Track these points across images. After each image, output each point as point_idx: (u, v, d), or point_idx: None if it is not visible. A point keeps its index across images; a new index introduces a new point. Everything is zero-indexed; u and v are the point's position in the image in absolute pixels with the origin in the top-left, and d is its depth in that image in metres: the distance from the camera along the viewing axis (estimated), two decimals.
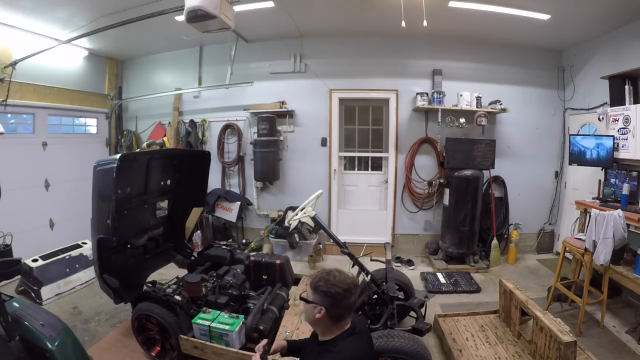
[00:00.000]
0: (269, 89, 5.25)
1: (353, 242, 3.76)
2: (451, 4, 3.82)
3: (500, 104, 4.83)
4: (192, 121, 5.54)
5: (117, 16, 3.76)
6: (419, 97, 4.85)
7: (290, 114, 5.24)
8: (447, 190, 4.78)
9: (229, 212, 5.36)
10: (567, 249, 3.41)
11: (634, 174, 3.58)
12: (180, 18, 3.18)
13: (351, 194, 5.48)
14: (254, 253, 3.89)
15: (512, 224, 5.11)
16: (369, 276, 2.82)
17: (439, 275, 4.36)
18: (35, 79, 4.59)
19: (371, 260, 3.18)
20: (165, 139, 5.37)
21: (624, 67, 3.79)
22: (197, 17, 2.75)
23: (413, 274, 4.41)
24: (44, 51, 4.24)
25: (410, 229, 5.30)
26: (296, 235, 4.83)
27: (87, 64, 5.45)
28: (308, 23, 4.67)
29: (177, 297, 2.71)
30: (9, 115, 4.43)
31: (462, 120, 4.77)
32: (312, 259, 4.79)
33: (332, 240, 3.18)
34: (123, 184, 2.70)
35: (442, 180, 5.03)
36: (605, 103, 4.16)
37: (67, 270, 3.96)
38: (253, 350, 2.29)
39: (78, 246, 4.19)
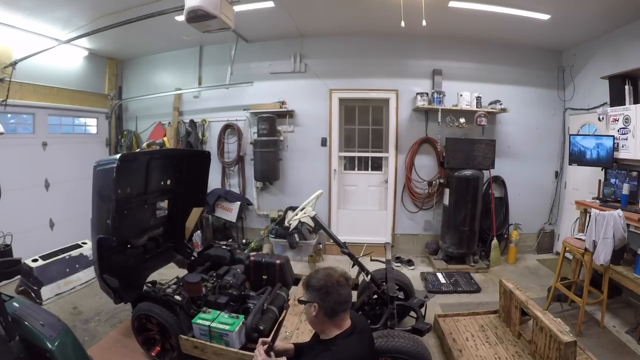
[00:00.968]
0: (269, 89, 5.25)
1: (353, 242, 3.76)
2: (451, 4, 3.82)
3: (500, 104, 4.83)
4: (192, 121, 5.54)
5: (117, 16, 3.76)
6: (419, 97, 4.85)
7: (290, 114, 5.24)
8: (447, 190, 4.78)
9: (229, 212, 5.36)
10: (567, 249, 3.41)
11: (634, 174, 3.58)
12: (180, 18, 3.18)
13: (351, 194, 5.48)
14: (254, 253, 3.89)
15: (512, 224, 5.11)
16: (369, 276, 2.82)
17: (439, 275, 4.36)
18: (35, 79, 4.59)
19: (371, 260, 3.18)
20: (165, 139, 5.37)
21: (624, 67, 3.79)
22: (197, 17, 2.75)
23: (413, 274, 4.41)
24: (44, 51, 4.24)
25: (410, 229, 5.30)
26: (296, 235, 4.83)
27: (87, 64, 5.45)
28: (308, 23, 4.67)
29: (177, 297, 2.71)
30: (9, 115, 4.42)
31: (462, 120, 4.77)
32: (312, 259, 4.79)
33: (332, 240, 3.18)
34: (123, 184, 2.70)
35: (442, 180, 5.03)
36: (605, 103, 4.16)
37: (67, 270, 3.96)
38: (253, 350, 2.29)
39: (78, 246, 4.19)
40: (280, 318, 2.67)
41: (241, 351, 2.39)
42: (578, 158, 4.22)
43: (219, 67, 5.30)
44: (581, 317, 3.08)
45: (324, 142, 5.26)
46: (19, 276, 3.46)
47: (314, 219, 3.00)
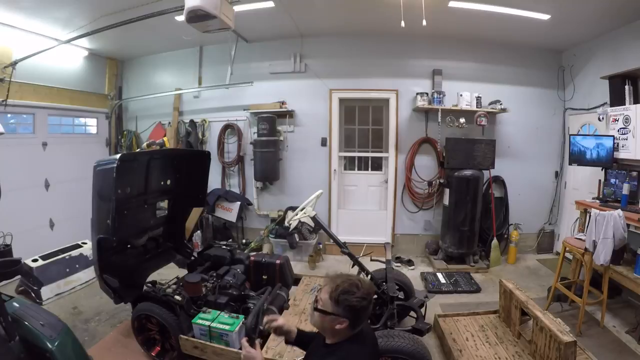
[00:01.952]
0: (269, 89, 5.25)
1: (353, 242, 3.76)
2: (451, 4, 3.82)
3: (500, 104, 4.83)
4: (192, 121, 5.54)
5: (117, 16, 3.75)
6: (419, 97, 4.85)
7: (290, 114, 5.24)
8: (447, 190, 4.78)
9: (229, 212, 5.36)
10: (567, 249, 3.41)
11: (634, 174, 3.58)
12: (180, 18, 3.17)
13: (351, 194, 5.48)
14: (254, 253, 3.89)
15: (512, 224, 5.10)
16: (369, 276, 2.83)
17: (439, 275, 4.36)
18: (35, 79, 4.59)
19: (371, 260, 3.17)
20: (165, 139, 5.37)
21: (624, 67, 3.79)
22: (197, 17, 2.75)
23: (413, 274, 4.41)
24: (44, 51, 4.24)
25: (410, 229, 5.30)
26: (296, 235, 4.83)
27: (87, 64, 5.45)
28: (308, 23, 4.67)
29: (177, 297, 2.71)
30: (9, 115, 4.43)
31: (462, 120, 4.77)
32: (312, 259, 4.79)
33: (332, 240, 3.18)
34: (123, 184, 2.70)
35: (442, 180, 5.03)
36: (605, 103, 4.16)
37: (67, 270, 3.96)
38: None
39: (78, 246, 4.19)
40: (258, 307, 2.66)
41: (241, 351, 2.39)
42: (578, 158, 4.22)
43: (219, 67, 5.30)
44: (581, 317, 3.08)
45: (324, 142, 5.26)
46: (19, 276, 3.46)
47: (314, 219, 3.00)
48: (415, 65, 5.07)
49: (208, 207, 5.27)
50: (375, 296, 2.87)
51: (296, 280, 3.49)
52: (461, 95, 4.83)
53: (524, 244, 5.18)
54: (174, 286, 2.98)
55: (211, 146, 5.50)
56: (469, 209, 4.59)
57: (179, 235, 3.65)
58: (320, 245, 5.18)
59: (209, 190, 4.99)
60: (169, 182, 3.34)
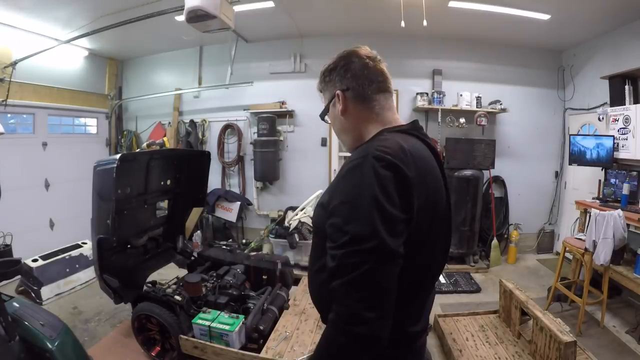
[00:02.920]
0: (269, 89, 5.25)
1: None
2: (451, 4, 3.82)
3: (500, 104, 4.83)
4: (192, 121, 5.54)
5: (117, 16, 3.75)
6: (419, 97, 4.85)
7: (290, 114, 5.24)
8: None
9: (229, 212, 5.36)
10: (567, 249, 3.41)
11: (634, 174, 3.58)
12: (180, 18, 3.17)
13: None
14: (254, 253, 3.89)
15: (512, 224, 5.10)
16: None
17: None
18: (35, 79, 4.59)
19: None
20: (165, 139, 5.37)
21: (624, 67, 3.79)
22: (197, 17, 2.75)
23: None
24: (44, 51, 4.24)
25: None
26: (296, 235, 4.82)
27: (87, 64, 5.45)
28: (308, 23, 4.66)
29: (177, 297, 2.71)
30: (9, 115, 4.42)
31: (462, 120, 4.77)
32: None
33: None
34: (123, 184, 2.70)
35: None
36: (605, 103, 4.16)
37: (67, 270, 3.95)
38: (253, 350, 2.29)
39: (78, 246, 4.19)
40: (258, 306, 2.57)
41: (241, 351, 2.39)
42: (578, 158, 4.22)
43: (219, 67, 5.30)
44: (581, 317, 3.08)
45: (324, 142, 5.25)
46: (19, 276, 3.45)
47: None
48: (415, 65, 5.07)
49: (208, 207, 5.27)
50: None
51: (296, 280, 3.49)
52: (461, 95, 4.83)
53: (524, 244, 5.18)
54: (174, 286, 2.98)
55: (211, 146, 5.49)
56: (469, 209, 4.59)
57: (179, 236, 3.65)
58: None
59: (209, 190, 4.98)
60: (169, 182, 3.34)
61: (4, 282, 3.22)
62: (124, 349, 2.87)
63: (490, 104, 4.88)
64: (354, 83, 1.03)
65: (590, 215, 3.20)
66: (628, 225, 3.06)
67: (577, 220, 4.07)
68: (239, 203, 5.36)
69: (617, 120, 3.79)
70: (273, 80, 5.27)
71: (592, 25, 4.17)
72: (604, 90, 4.10)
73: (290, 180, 5.39)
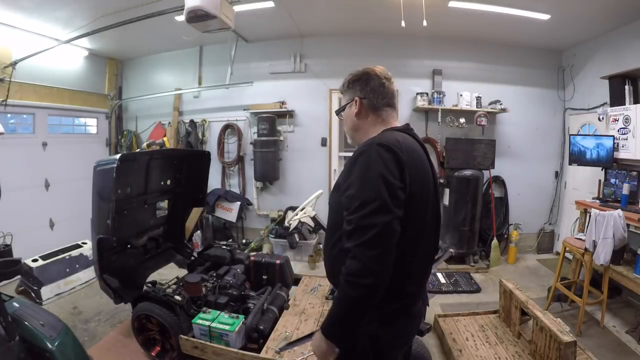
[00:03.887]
0: (269, 89, 5.25)
1: None
2: (451, 4, 3.82)
3: (500, 104, 4.83)
4: (192, 121, 5.54)
5: (117, 16, 3.76)
6: (419, 97, 4.85)
7: (290, 114, 5.24)
8: (447, 190, 4.78)
9: (229, 212, 5.36)
10: (567, 249, 3.41)
11: (634, 174, 3.58)
12: (180, 18, 3.18)
13: None
14: (254, 253, 3.89)
15: (512, 224, 5.11)
16: None
17: (439, 275, 4.36)
18: (35, 79, 4.59)
19: None
20: (165, 139, 5.37)
21: (624, 67, 3.79)
22: (197, 17, 2.75)
23: None
24: (44, 51, 4.24)
25: None
26: (296, 235, 4.82)
27: (87, 64, 5.45)
28: (308, 23, 4.66)
29: (177, 297, 2.71)
30: (9, 115, 4.42)
31: (462, 120, 4.77)
32: (312, 259, 4.78)
33: None
34: (123, 184, 2.70)
35: (442, 180, 5.03)
36: (605, 103, 4.16)
37: (67, 270, 3.95)
38: (253, 350, 2.30)
39: (78, 246, 4.19)
40: (258, 306, 2.57)
41: (241, 351, 2.39)
42: (578, 158, 4.22)
43: (219, 67, 5.30)
44: (581, 317, 3.08)
45: (324, 142, 5.25)
46: (19, 276, 3.45)
47: (314, 219, 3.01)
48: (415, 65, 5.07)
49: (208, 207, 5.27)
50: None
51: (296, 280, 3.49)
52: (461, 95, 4.83)
53: (524, 244, 5.18)
54: (174, 286, 2.98)
55: (211, 146, 5.49)
56: (469, 209, 4.59)
57: (179, 235, 3.65)
58: (320, 245, 5.18)
59: (209, 190, 4.99)
60: (169, 182, 3.33)
61: (4, 282, 3.23)
62: (124, 349, 2.87)
63: (490, 104, 4.88)
64: (371, 95, 1.28)
65: (590, 215, 3.20)
66: (628, 225, 3.06)
67: (577, 220, 4.07)
68: (239, 203, 5.36)
69: (617, 120, 3.79)
70: (273, 80, 5.27)
71: (592, 25, 4.17)
72: (604, 90, 4.09)
73: (290, 180, 5.39)
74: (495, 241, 4.79)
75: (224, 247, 3.67)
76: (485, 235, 4.93)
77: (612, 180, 3.80)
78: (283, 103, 5.14)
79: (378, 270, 1.00)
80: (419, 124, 5.13)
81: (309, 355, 2.33)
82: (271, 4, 3.91)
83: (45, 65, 4.66)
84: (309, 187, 4.85)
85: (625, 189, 3.53)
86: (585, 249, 3.08)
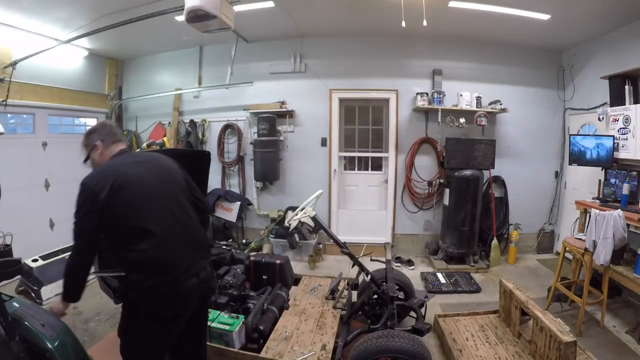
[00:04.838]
0: (269, 89, 5.25)
1: (353, 242, 3.76)
2: (451, 4, 3.82)
3: (500, 104, 4.83)
4: (192, 121, 5.54)
5: (117, 16, 3.76)
6: (419, 97, 4.85)
7: (290, 114, 5.24)
8: (447, 190, 4.78)
9: (229, 212, 5.36)
10: (567, 249, 3.41)
11: (634, 174, 3.58)
12: (180, 18, 3.18)
13: (351, 194, 5.48)
14: (254, 253, 3.89)
15: (512, 224, 5.11)
16: (369, 276, 2.83)
17: (439, 275, 4.36)
18: (35, 79, 4.59)
19: (371, 260, 3.17)
20: (165, 139, 5.37)
21: (624, 67, 3.79)
22: (197, 17, 2.75)
23: (413, 274, 4.41)
24: (44, 51, 4.24)
25: (410, 229, 5.30)
26: (296, 235, 4.83)
27: (87, 64, 5.45)
28: (308, 23, 4.67)
29: None
30: (9, 115, 4.43)
31: (462, 120, 4.77)
32: (312, 259, 4.79)
33: (332, 240, 3.18)
34: None
35: (442, 180, 5.04)
36: (605, 103, 4.16)
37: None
38: (253, 350, 2.30)
39: None
40: (258, 306, 2.60)
41: (241, 351, 2.39)
42: (578, 158, 4.22)
43: (219, 67, 5.30)
44: (581, 317, 3.08)
45: (324, 142, 5.26)
46: (19, 276, 3.45)
47: (314, 219, 3.00)
48: (415, 65, 5.07)
49: (208, 207, 5.26)
50: (375, 296, 2.87)
51: (296, 280, 3.49)
52: (461, 95, 4.83)
53: (524, 244, 5.18)
54: None
55: (211, 146, 5.49)
56: (469, 209, 4.59)
57: None
58: (320, 245, 5.18)
59: (209, 190, 4.99)
60: None
61: (4, 282, 3.23)
62: None
63: (490, 104, 4.89)
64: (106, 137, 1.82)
65: (590, 215, 3.20)
66: (628, 225, 3.06)
67: (577, 220, 4.07)
68: (239, 203, 5.36)
69: (617, 120, 3.79)
70: (273, 80, 5.27)
71: (592, 26, 4.17)
72: (604, 90, 4.09)
73: (290, 180, 5.39)
74: (495, 241, 4.79)
75: (224, 247, 3.67)
76: (485, 235, 4.93)
77: (612, 180, 3.80)
78: (283, 103, 5.14)
79: (76, 258, 1.63)
80: (419, 124, 5.14)
81: (309, 355, 2.33)
82: (271, 4, 3.91)
83: (45, 65, 4.66)
84: (309, 187, 4.84)
85: (625, 189, 3.53)
86: (585, 249, 3.08)
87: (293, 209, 5.06)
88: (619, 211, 2.96)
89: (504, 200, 5.15)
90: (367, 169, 5.46)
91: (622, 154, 3.76)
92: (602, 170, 3.97)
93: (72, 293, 1.70)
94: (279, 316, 2.83)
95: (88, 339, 3.01)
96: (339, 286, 3.20)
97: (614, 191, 3.74)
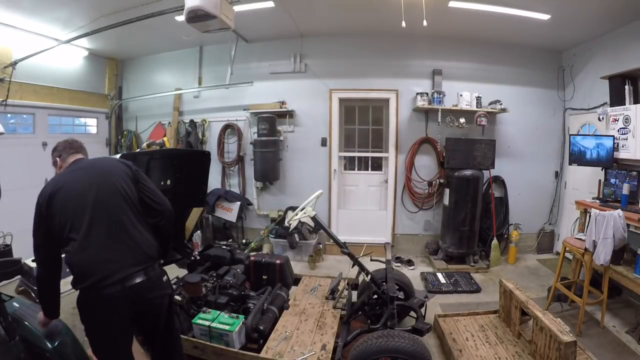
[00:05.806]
0: (269, 89, 5.25)
1: (353, 242, 3.76)
2: (451, 4, 3.82)
3: (500, 104, 4.83)
4: (192, 121, 5.54)
5: (117, 16, 3.76)
6: (419, 97, 4.85)
7: (290, 114, 5.24)
8: (447, 190, 4.78)
9: (229, 212, 5.36)
10: (567, 249, 3.41)
11: (634, 174, 3.58)
12: (180, 18, 3.18)
13: (351, 194, 5.48)
14: (254, 253, 3.89)
15: (512, 224, 5.10)
16: (369, 276, 2.83)
17: (439, 275, 4.36)
18: (35, 79, 4.59)
19: (371, 260, 3.17)
20: (165, 139, 5.37)
21: (624, 67, 3.79)
22: (197, 17, 2.75)
23: (413, 274, 4.41)
24: (44, 51, 4.24)
25: (410, 229, 5.30)
26: (296, 235, 4.83)
27: (87, 64, 5.45)
28: (308, 23, 4.67)
29: (177, 297, 2.71)
30: (9, 115, 4.42)
31: (462, 120, 4.77)
32: (312, 259, 4.79)
33: (332, 240, 3.19)
34: None
35: (442, 180, 5.03)
36: (605, 103, 4.16)
37: (67, 270, 3.93)
38: (253, 350, 2.30)
39: None
40: (258, 306, 2.61)
41: (241, 351, 2.39)
42: (578, 158, 4.22)
43: (219, 67, 5.30)
44: (581, 317, 3.08)
45: (324, 142, 5.26)
46: (19, 276, 3.45)
47: (314, 219, 3.00)
48: (415, 65, 5.07)
49: (208, 207, 5.27)
50: (375, 296, 2.87)
51: (296, 280, 3.49)
52: (461, 95, 4.83)
53: (524, 244, 5.18)
54: (174, 286, 2.97)
55: (211, 146, 5.50)
56: (469, 209, 4.59)
57: (179, 236, 3.64)
58: (320, 245, 5.18)
59: (209, 190, 4.99)
60: (169, 182, 3.32)
61: (4, 282, 3.23)
62: None
63: (490, 104, 4.89)
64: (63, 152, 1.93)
65: (590, 215, 3.20)
66: (628, 225, 3.06)
67: (577, 220, 4.07)
68: (239, 203, 5.36)
69: (617, 120, 3.79)
70: (273, 80, 5.27)
71: (592, 25, 4.17)
72: (604, 90, 4.09)
73: (290, 180, 5.39)
74: (495, 241, 4.79)
75: (224, 247, 3.67)
76: (485, 235, 4.93)
77: (612, 180, 3.80)
78: (283, 103, 5.14)
79: (39, 270, 1.72)
80: (419, 124, 5.14)
81: (309, 355, 2.33)
82: (271, 4, 3.91)
83: (45, 65, 4.66)
84: (309, 187, 4.84)
85: (625, 189, 3.53)
86: (585, 249, 3.09)
87: (293, 209, 5.06)
88: (619, 211, 2.96)
89: (504, 200, 5.15)
90: (367, 169, 5.46)
91: (622, 154, 3.76)
92: (602, 170, 3.97)
93: (45, 307, 1.78)
94: (279, 316, 2.83)
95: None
96: (339, 286, 3.20)
97: (614, 191, 3.74)
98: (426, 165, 5.18)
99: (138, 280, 1.67)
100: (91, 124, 5.74)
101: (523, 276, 4.47)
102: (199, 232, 5.31)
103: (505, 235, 5.09)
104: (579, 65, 4.84)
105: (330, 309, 2.96)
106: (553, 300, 3.49)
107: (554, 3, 3.68)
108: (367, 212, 5.39)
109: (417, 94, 4.88)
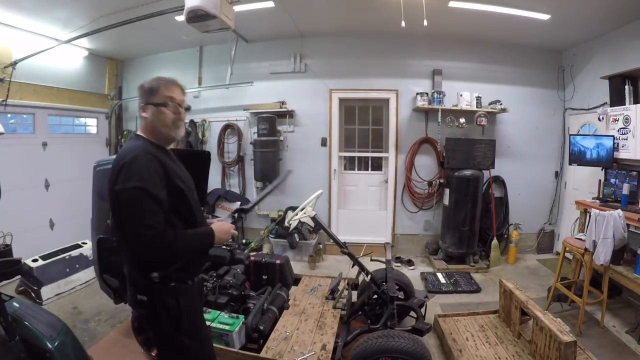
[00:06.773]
0: (269, 89, 5.25)
1: (353, 242, 3.76)
2: (451, 4, 3.82)
3: (500, 104, 4.83)
4: (192, 121, 5.54)
5: (117, 16, 3.76)
6: (419, 97, 4.85)
7: (290, 114, 5.24)
8: (447, 190, 4.78)
9: (229, 212, 5.35)
10: (567, 249, 3.41)
11: (634, 174, 3.58)
12: (180, 18, 3.18)
13: (351, 194, 5.48)
14: (254, 253, 3.89)
15: (512, 224, 5.10)
16: (369, 276, 2.83)
17: (439, 275, 4.36)
18: (35, 79, 4.59)
19: (371, 260, 3.17)
20: None
21: (624, 67, 3.79)
22: (197, 17, 2.75)
23: (413, 274, 4.41)
24: (44, 51, 4.24)
25: (410, 229, 5.30)
26: (296, 235, 4.83)
27: (87, 64, 5.45)
28: (308, 23, 4.67)
29: None
30: (9, 115, 4.42)
31: (462, 120, 4.77)
32: (312, 259, 4.79)
33: (332, 240, 3.18)
34: None
35: (442, 180, 5.03)
36: (605, 103, 4.16)
37: (67, 270, 3.95)
38: (253, 350, 2.30)
39: (78, 246, 4.18)
40: (258, 306, 2.64)
41: (241, 351, 2.39)
42: (578, 158, 4.22)
43: (219, 67, 5.30)
44: (581, 317, 3.08)
45: (324, 142, 5.26)
46: (19, 276, 3.45)
47: (314, 219, 3.00)
48: (415, 65, 5.07)
49: (208, 207, 5.27)
50: (375, 296, 2.87)
51: (296, 280, 3.49)
52: (461, 95, 4.83)
53: (524, 244, 5.18)
54: None
55: (211, 146, 5.50)
56: (469, 209, 4.59)
57: None
58: (320, 245, 5.18)
59: (209, 190, 4.99)
60: None
61: (4, 282, 3.23)
62: (124, 349, 2.87)
63: (490, 104, 4.89)
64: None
65: (590, 215, 3.20)
66: (628, 225, 3.06)
67: (577, 220, 4.07)
68: (239, 203, 5.35)
69: (617, 120, 3.79)
70: (273, 80, 5.27)
71: (592, 25, 4.17)
72: (604, 90, 4.09)
73: (290, 180, 5.37)
74: (495, 241, 4.79)
75: (224, 247, 3.66)
76: (485, 235, 4.93)
77: (612, 180, 3.80)
78: (283, 103, 5.14)
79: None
80: (419, 124, 5.14)
81: (309, 355, 2.33)
82: (271, 4, 3.91)
83: (45, 65, 4.66)
84: (309, 187, 4.83)
85: (625, 189, 3.53)
86: (585, 249, 3.09)
87: (293, 209, 5.06)
88: (619, 211, 2.96)
89: (504, 200, 5.15)
90: (367, 169, 5.46)
91: (622, 154, 3.76)
92: (602, 170, 3.97)
93: (202, 243, 1.72)
94: (279, 316, 2.83)
95: (88, 339, 3.01)
96: (339, 286, 3.19)
97: (614, 191, 3.74)
98: (426, 165, 5.18)
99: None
100: (91, 124, 5.74)
101: (523, 276, 4.47)
102: None
103: (505, 235, 5.09)
104: (579, 65, 4.84)
105: (330, 309, 2.96)
106: (553, 300, 3.49)
107: (554, 3, 3.68)
108: (367, 212, 5.39)
109: (417, 94, 4.88)
